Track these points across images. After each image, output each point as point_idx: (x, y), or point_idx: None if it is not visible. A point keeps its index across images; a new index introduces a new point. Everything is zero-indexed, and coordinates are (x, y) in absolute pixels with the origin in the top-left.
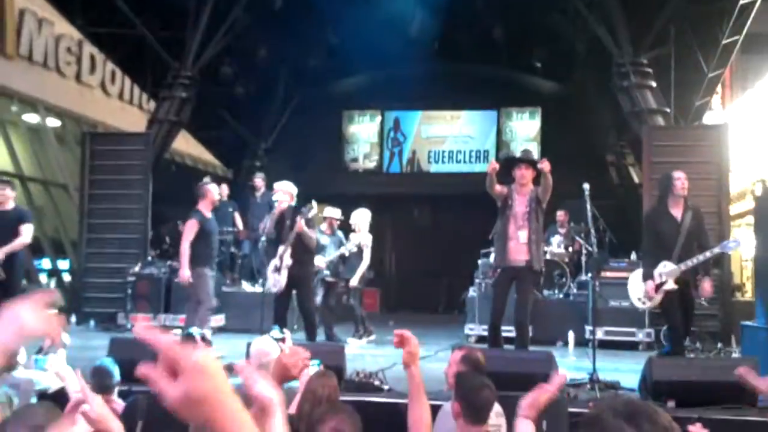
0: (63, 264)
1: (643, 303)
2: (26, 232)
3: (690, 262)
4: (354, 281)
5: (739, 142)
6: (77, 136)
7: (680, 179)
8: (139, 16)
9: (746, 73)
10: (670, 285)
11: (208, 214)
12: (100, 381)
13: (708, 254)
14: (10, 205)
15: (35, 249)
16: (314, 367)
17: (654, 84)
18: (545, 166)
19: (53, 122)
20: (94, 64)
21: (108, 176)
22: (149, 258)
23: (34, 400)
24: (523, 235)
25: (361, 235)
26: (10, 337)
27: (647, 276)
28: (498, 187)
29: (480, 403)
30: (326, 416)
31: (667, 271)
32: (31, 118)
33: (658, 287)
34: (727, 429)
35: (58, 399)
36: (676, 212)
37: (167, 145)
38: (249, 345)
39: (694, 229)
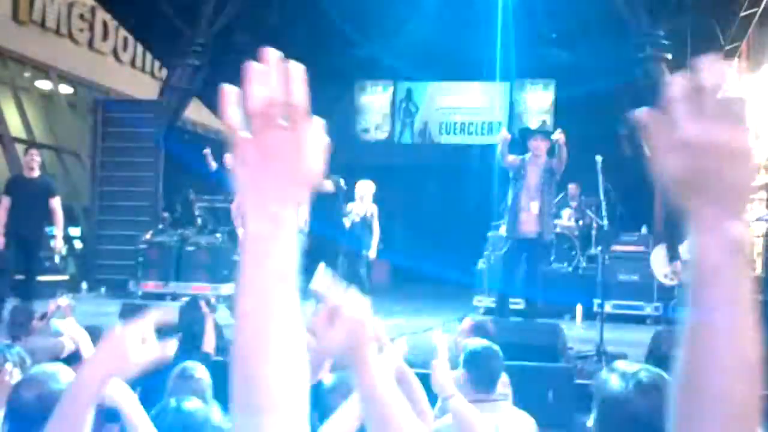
0: (74, 231)
1: (671, 279)
2: (59, 207)
3: None
4: (372, 253)
5: (755, 116)
6: (89, 103)
7: None
8: None
9: (763, 46)
10: None
11: None
12: None
13: None
14: (36, 172)
15: None
16: None
17: (670, 55)
18: (560, 137)
19: (65, 89)
20: (107, 31)
21: (120, 144)
22: (160, 226)
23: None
24: (535, 207)
25: (365, 206)
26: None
27: (675, 257)
28: (510, 157)
29: (488, 372)
30: None
31: None
32: (44, 84)
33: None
34: None
35: (71, 361)
36: None
37: (179, 113)
38: None
39: None
